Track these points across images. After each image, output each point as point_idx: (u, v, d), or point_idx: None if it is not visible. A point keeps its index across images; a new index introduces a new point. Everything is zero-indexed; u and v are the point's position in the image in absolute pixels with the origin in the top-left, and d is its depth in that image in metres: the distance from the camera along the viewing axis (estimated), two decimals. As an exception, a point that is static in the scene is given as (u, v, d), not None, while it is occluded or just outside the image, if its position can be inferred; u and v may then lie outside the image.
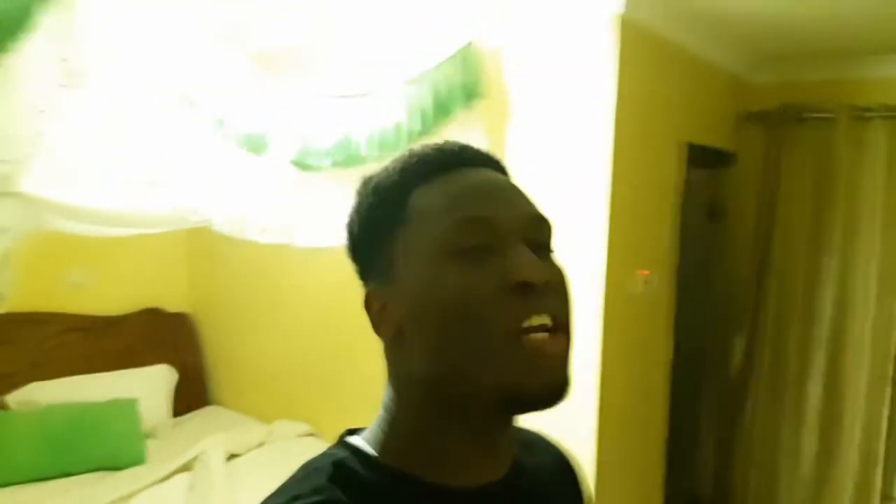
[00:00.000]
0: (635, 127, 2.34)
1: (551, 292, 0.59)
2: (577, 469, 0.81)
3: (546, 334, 0.57)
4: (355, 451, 0.64)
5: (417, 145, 0.67)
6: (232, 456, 2.85)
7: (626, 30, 2.21)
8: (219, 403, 3.68)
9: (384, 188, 0.64)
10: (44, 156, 1.67)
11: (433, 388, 0.61)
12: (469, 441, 0.62)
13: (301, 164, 1.85)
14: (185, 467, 2.71)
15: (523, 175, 2.43)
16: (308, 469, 0.62)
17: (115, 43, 1.39)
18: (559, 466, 0.79)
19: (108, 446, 2.84)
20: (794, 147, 3.06)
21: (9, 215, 1.88)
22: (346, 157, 1.97)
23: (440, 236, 0.59)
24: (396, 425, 0.63)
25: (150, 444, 2.99)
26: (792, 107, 3.03)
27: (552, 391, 0.57)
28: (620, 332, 2.37)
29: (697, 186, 3.03)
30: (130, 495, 2.51)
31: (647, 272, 2.53)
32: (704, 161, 2.97)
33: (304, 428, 3.19)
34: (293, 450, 3.00)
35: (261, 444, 3.02)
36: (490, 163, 0.68)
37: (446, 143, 0.67)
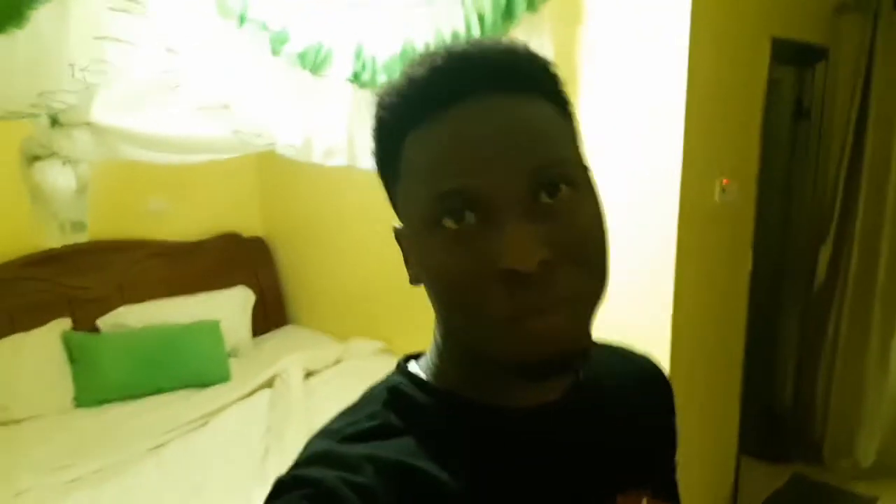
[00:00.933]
0: (715, 21, 2.17)
1: (555, 268, 0.50)
2: (663, 381, 0.78)
3: (547, 318, 0.50)
4: (411, 376, 0.63)
5: (422, 57, 0.55)
6: (309, 373, 2.96)
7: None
8: (296, 323, 3.81)
9: (382, 124, 0.57)
10: (108, 85, 1.69)
11: (447, 332, 0.60)
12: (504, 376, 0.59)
13: (359, 81, 1.80)
14: (266, 384, 2.84)
15: (595, 79, 2.33)
16: (366, 396, 0.63)
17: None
18: (642, 378, 0.75)
19: (194, 365, 3.00)
20: (893, 39, 2.78)
21: (80, 146, 1.92)
22: (405, 71, 1.90)
23: (423, 208, 0.53)
24: (444, 353, 0.62)
25: (233, 363, 3.14)
26: (892, -8, 2.74)
27: (556, 366, 0.52)
28: (696, 243, 2.28)
29: (783, 85, 2.82)
30: (217, 411, 2.65)
31: (726, 180, 2.39)
32: (792, 57, 2.75)
33: (379, 345, 3.27)
34: (368, 367, 3.08)
35: (337, 362, 3.13)
36: (520, 76, 0.54)
37: (457, 51, 0.54)
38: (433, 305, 0.58)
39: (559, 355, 0.52)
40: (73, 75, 1.57)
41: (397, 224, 0.61)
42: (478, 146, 0.51)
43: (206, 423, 2.58)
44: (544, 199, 0.51)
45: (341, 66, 1.76)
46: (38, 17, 1.56)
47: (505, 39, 0.57)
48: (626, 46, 2.21)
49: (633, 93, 2.20)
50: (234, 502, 2.11)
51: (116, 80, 1.60)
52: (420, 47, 1.91)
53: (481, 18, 1.99)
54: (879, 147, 2.86)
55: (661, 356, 2.20)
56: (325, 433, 0.60)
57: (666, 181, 2.16)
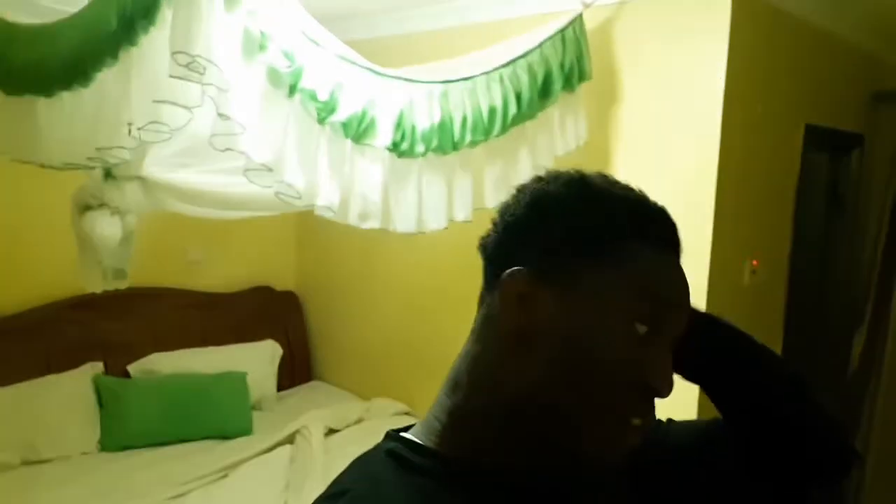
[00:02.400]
0: (748, 106, 2.21)
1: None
2: None
3: (641, 435, 0.61)
4: (405, 441, 0.64)
5: (629, 186, 0.67)
6: (330, 431, 2.96)
7: (739, 2, 2.08)
8: (321, 379, 3.83)
9: (602, 212, 0.63)
10: (162, 143, 1.78)
11: (523, 406, 0.60)
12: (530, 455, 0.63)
13: (398, 150, 1.87)
14: (288, 440, 2.84)
15: (628, 159, 2.38)
16: (361, 460, 0.64)
17: (232, 35, 1.44)
18: None
19: (218, 416, 3.02)
20: (931, 128, 2.80)
21: (130, 198, 2.02)
22: (441, 142, 1.97)
23: (636, 305, 0.60)
24: (462, 417, 0.63)
25: (257, 416, 3.15)
26: (929, 84, 2.77)
27: (604, 467, 0.63)
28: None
29: (818, 170, 2.83)
30: (237, 464, 2.66)
31: (755, 262, 2.39)
32: (826, 144, 2.77)
33: (401, 406, 3.27)
34: (389, 427, 3.07)
35: (359, 421, 3.12)
36: (679, 242, 0.68)
37: (667, 215, 0.67)
38: (534, 373, 0.59)
39: (620, 459, 0.61)
40: (129, 133, 1.66)
41: (523, 269, 0.62)
42: (684, 286, 0.64)
43: (226, 476, 2.59)
44: None
45: (382, 135, 1.83)
46: (103, 78, 1.68)
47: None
48: (659, 127, 2.26)
49: (665, 173, 2.23)
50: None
51: (169, 139, 1.69)
52: (458, 120, 1.99)
53: (518, 96, 2.06)
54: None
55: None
56: (332, 497, 0.59)
57: (695, 262, 2.17)
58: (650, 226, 0.64)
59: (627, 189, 0.66)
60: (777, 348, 2.66)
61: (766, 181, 2.44)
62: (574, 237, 0.62)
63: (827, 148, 2.89)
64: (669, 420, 0.83)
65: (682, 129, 2.21)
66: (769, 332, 2.61)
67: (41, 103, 1.85)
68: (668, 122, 2.24)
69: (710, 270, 2.16)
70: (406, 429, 0.68)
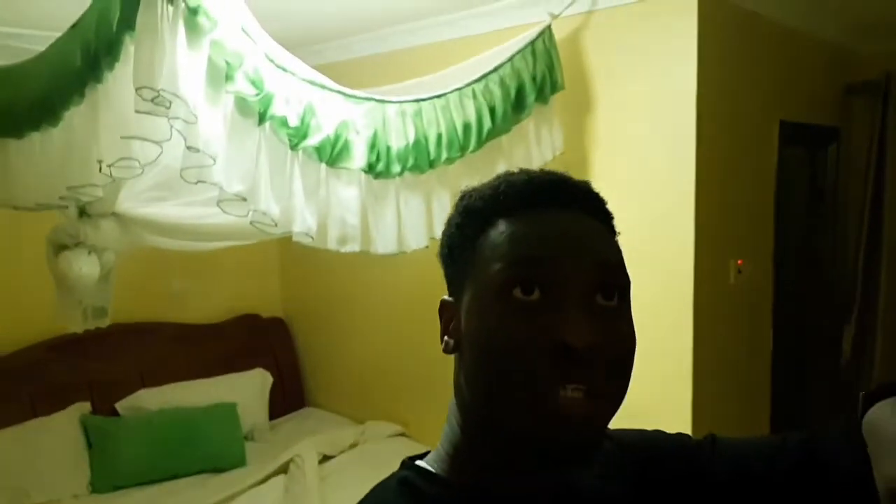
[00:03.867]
0: (722, 106, 2.22)
1: (597, 357, 0.56)
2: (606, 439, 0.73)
3: (579, 394, 0.55)
4: (417, 469, 0.66)
5: (517, 171, 0.66)
6: (325, 458, 2.92)
7: (706, 5, 2.09)
8: (314, 405, 3.79)
9: (471, 211, 0.65)
10: (134, 179, 1.76)
11: (474, 412, 0.62)
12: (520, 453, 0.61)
13: (373, 172, 1.86)
14: (282, 469, 2.80)
15: (605, 167, 2.38)
16: (375, 490, 0.65)
17: (196, 67, 1.43)
18: (601, 456, 0.72)
19: (210, 449, 2.98)
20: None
21: (106, 235, 1.99)
22: (417, 161, 1.96)
23: (497, 276, 0.59)
24: (454, 440, 0.65)
25: (250, 447, 3.11)
26: (900, 75, 2.79)
27: (571, 452, 0.57)
28: (713, 326, 2.26)
29: (796, 166, 2.85)
30: (231, 497, 2.62)
31: (740, 261, 2.39)
32: (803, 139, 2.79)
33: (396, 428, 3.23)
34: (384, 451, 3.04)
35: (353, 445, 3.09)
36: (587, 200, 0.64)
37: (544, 174, 0.65)
38: (465, 377, 0.61)
39: (576, 435, 0.56)
40: (100, 170, 1.64)
41: (445, 297, 0.67)
42: (556, 235, 0.60)
43: (220, 511, 2.55)
44: (600, 300, 0.58)
45: (357, 158, 1.82)
46: (71, 117, 1.67)
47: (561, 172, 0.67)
48: (636, 132, 2.27)
49: (642, 179, 2.24)
50: None
51: (141, 174, 1.67)
52: (433, 138, 1.98)
53: (492, 110, 2.06)
54: (897, 225, 2.85)
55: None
56: None
57: (679, 265, 2.16)
58: (510, 200, 0.62)
59: (505, 176, 0.65)
60: (767, 346, 2.65)
61: (746, 180, 2.44)
62: (452, 251, 0.66)
63: (804, 143, 2.91)
64: (713, 439, 0.76)
65: (658, 132, 2.21)
66: (758, 330, 2.61)
67: (12, 145, 1.84)
68: (644, 127, 2.24)
69: (695, 272, 2.15)
70: (422, 455, 0.69)
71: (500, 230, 0.61)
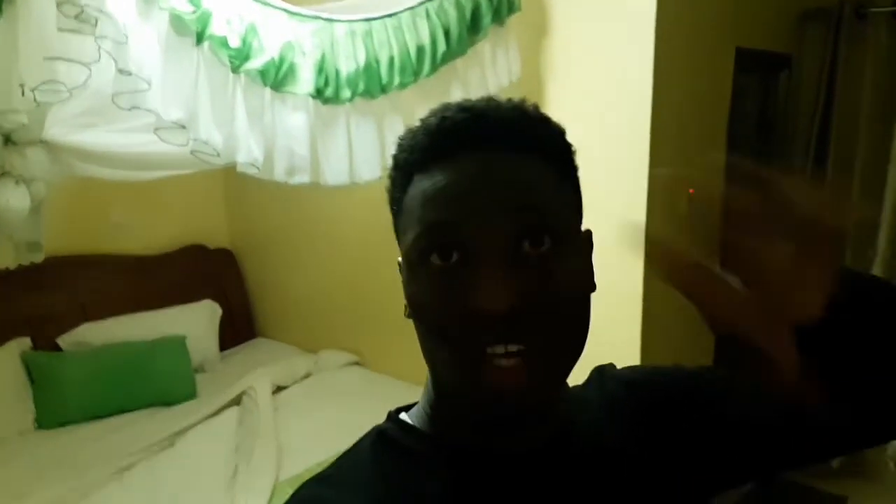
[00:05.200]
0: (680, 32, 2.18)
1: (528, 312, 0.52)
2: (612, 380, 0.73)
3: (511, 361, 0.52)
4: (399, 422, 0.65)
5: (439, 107, 0.59)
6: (278, 388, 2.91)
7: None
8: (265, 336, 3.76)
9: (396, 165, 0.61)
10: (62, 104, 1.63)
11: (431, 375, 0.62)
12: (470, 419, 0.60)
13: (322, 97, 1.76)
14: (234, 401, 2.78)
15: (562, 91, 2.32)
16: (357, 442, 0.65)
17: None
18: (605, 399, 0.70)
19: (159, 383, 2.93)
20: (856, 46, 2.82)
21: (34, 164, 1.86)
22: (368, 86, 1.87)
23: (415, 242, 0.55)
24: (429, 393, 0.64)
25: (200, 379, 3.07)
26: (853, 1, 2.77)
27: (510, 422, 0.56)
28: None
29: (748, 94, 2.84)
30: (183, 431, 2.59)
31: (692, 190, 2.40)
32: (758, 66, 2.77)
33: (349, 357, 3.23)
34: (338, 380, 3.05)
35: (307, 376, 3.09)
36: (510, 135, 0.56)
37: (460, 110, 0.57)
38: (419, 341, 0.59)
39: (512, 408, 0.53)
40: (23, 94, 1.51)
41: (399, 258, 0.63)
42: (468, 190, 0.54)
43: (172, 444, 2.51)
44: (527, 248, 0.53)
45: (303, 82, 1.72)
46: (-14, 35, 1.52)
47: (519, 100, 0.60)
48: (592, 57, 2.21)
49: (599, 104, 2.20)
50: (201, 526, 2.06)
51: (69, 99, 1.55)
52: (384, 61, 1.89)
53: (447, 32, 1.97)
54: (842, 155, 2.90)
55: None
56: (314, 479, 0.61)
57: (633, 192, 2.16)
58: (426, 152, 0.57)
59: (426, 117, 0.59)
60: None
61: (700, 108, 2.43)
62: (392, 210, 0.62)
63: (758, 70, 2.89)
64: (707, 370, 0.73)
65: (615, 57, 2.16)
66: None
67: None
68: (600, 51, 2.19)
69: (647, 202, 2.15)
70: (409, 407, 0.68)
71: (415, 190, 0.57)
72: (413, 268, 0.56)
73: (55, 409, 2.77)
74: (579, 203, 0.61)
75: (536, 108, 0.60)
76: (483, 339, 0.52)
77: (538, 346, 0.52)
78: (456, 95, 2.10)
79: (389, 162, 0.62)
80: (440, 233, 0.54)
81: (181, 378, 2.98)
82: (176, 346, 3.04)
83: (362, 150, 1.92)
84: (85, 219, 3.12)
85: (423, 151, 0.57)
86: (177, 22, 1.44)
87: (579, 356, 0.57)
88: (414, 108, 2.01)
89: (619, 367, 0.76)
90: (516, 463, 0.60)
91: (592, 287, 0.60)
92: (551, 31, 2.27)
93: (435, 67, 2.00)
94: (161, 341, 3.03)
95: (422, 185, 0.56)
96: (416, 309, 0.57)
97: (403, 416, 0.66)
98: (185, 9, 1.43)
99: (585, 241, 0.62)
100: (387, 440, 0.63)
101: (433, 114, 0.59)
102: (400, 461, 0.61)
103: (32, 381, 2.80)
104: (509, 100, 0.59)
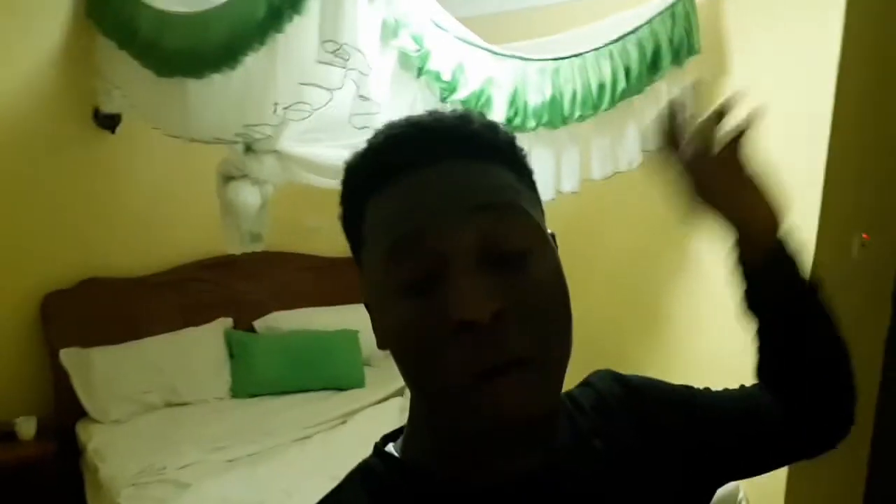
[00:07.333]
0: (861, 75, 2.18)
1: (509, 322, 0.49)
2: (614, 382, 0.71)
3: (505, 381, 0.49)
4: (382, 454, 0.62)
5: (384, 126, 0.57)
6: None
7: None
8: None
9: (346, 192, 0.59)
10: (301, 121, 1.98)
11: (417, 405, 0.61)
12: (469, 448, 0.56)
13: (511, 125, 1.99)
14: (398, 392, 3.07)
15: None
16: (347, 477, 0.62)
17: (373, 23, 1.61)
18: (602, 402, 0.68)
19: (334, 369, 3.28)
20: None
21: (269, 169, 2.24)
22: (551, 117, 2.08)
23: (380, 267, 0.53)
24: (412, 423, 0.61)
25: (368, 371, 3.39)
26: None
27: (513, 436, 0.52)
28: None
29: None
30: (352, 413, 2.92)
31: (866, 235, 2.36)
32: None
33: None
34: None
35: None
36: (460, 142, 0.54)
37: (410, 123, 0.56)
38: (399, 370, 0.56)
39: (514, 425, 0.50)
40: (275, 112, 1.86)
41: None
42: (431, 201, 0.52)
43: (344, 423, 2.84)
44: (498, 248, 0.51)
45: (497, 111, 1.96)
46: (250, 62, 1.89)
47: (464, 110, 0.59)
48: (771, 98, 2.26)
49: (774, 144, 2.24)
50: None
51: (309, 117, 1.88)
52: (568, 96, 2.09)
53: (627, 71, 2.14)
54: None
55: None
56: None
57: (800, 235, 2.17)
58: (375, 174, 0.55)
59: (373, 136, 0.57)
60: (881, 332, 2.56)
61: (880, 147, 2.35)
62: (348, 239, 0.61)
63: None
64: (692, 391, 0.74)
65: (793, 100, 2.20)
66: (875, 312, 2.54)
67: (192, 84, 2.08)
68: (779, 95, 2.23)
69: (816, 247, 2.16)
70: (398, 432, 0.64)
71: (374, 216, 0.55)
72: (386, 295, 0.53)
73: (247, 382, 3.19)
74: (541, 203, 0.60)
75: (482, 115, 0.58)
76: (473, 360, 0.49)
77: (530, 353, 0.50)
78: (630, 129, 2.26)
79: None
80: (407, 245, 0.51)
81: (353, 367, 3.32)
82: (350, 339, 3.38)
83: (540, 175, 2.10)
84: (286, 221, 3.56)
85: (374, 172, 0.55)
86: (404, 58, 1.73)
87: (569, 357, 0.55)
88: (590, 138, 2.20)
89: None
90: (512, 492, 0.56)
91: (567, 287, 0.55)
92: (728, 73, 2.36)
93: (613, 103, 2.18)
94: (338, 333, 3.39)
95: (380, 207, 0.54)
96: (396, 339, 0.53)
97: (390, 447, 0.62)
98: (411, 47, 1.71)
99: (552, 241, 0.58)
100: (374, 477, 0.60)
101: (378, 133, 0.57)
102: (384, 498, 0.58)
103: (231, 355, 3.25)
104: (454, 110, 0.58)
